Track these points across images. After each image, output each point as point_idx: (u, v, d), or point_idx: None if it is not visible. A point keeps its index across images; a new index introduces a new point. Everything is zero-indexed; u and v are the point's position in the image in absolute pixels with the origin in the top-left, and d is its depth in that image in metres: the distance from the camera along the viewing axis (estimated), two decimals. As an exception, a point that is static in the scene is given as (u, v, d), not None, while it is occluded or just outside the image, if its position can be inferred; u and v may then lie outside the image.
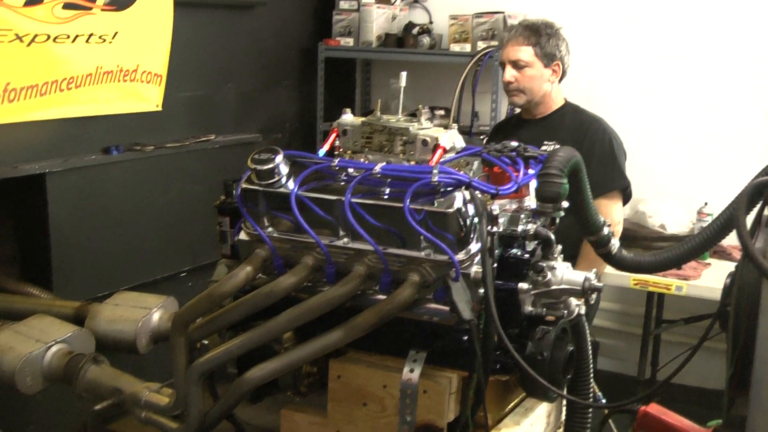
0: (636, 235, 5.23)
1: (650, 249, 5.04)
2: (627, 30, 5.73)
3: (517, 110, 4.44)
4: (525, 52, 4.10)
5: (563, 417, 2.69)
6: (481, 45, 5.65)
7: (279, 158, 2.36)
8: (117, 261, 4.56)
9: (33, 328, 3.00)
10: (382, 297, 2.31)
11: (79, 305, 3.36)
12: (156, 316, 3.17)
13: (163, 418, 2.57)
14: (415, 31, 5.90)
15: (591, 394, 2.57)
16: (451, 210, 2.17)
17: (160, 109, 4.68)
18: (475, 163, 2.50)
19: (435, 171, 2.20)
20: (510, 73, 4.13)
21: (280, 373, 2.36)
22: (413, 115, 2.58)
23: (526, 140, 2.55)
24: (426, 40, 5.84)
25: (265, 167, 2.35)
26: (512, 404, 2.53)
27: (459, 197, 2.19)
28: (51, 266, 4.23)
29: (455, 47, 5.75)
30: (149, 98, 4.65)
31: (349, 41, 6.07)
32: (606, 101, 5.39)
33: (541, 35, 4.09)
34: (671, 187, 5.58)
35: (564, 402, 2.66)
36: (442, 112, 5.73)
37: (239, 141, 5.27)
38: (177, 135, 4.87)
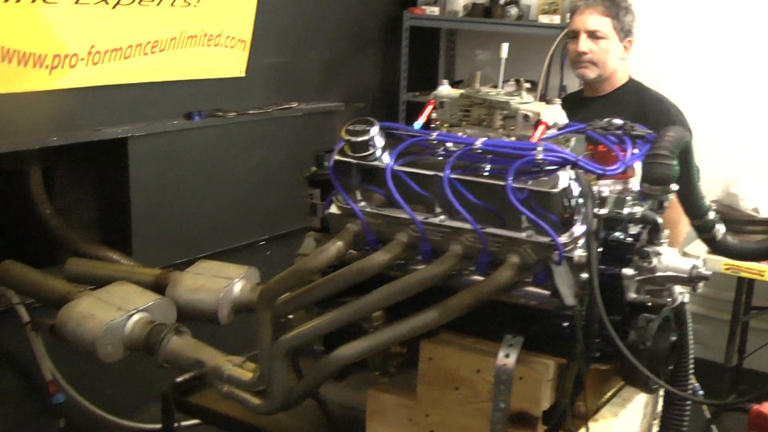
0: (727, 217, 5.04)
1: (741, 233, 4.86)
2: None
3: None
4: (604, 23, 3.91)
5: (659, 408, 2.57)
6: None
7: (374, 130, 2.26)
8: (196, 228, 4.52)
9: (114, 296, 2.95)
10: (477, 278, 2.20)
11: (159, 273, 3.31)
12: (238, 287, 3.11)
13: (246, 393, 2.51)
14: (502, 1, 5.76)
15: (690, 386, 2.45)
16: (556, 190, 2.05)
17: (243, 75, 4.62)
18: (573, 140, 2.39)
19: (539, 148, 2.08)
20: (586, 44, 3.92)
21: (371, 353, 2.27)
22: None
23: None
24: (514, 10, 5.69)
25: (360, 139, 2.25)
26: (609, 394, 2.42)
27: (564, 176, 2.08)
28: (131, 231, 4.21)
29: (544, 18, 5.59)
30: (233, 64, 4.59)
31: (435, 10, 5.95)
32: (694, 80, 5.20)
33: (620, 8, 3.92)
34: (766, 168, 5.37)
35: (661, 393, 2.54)
36: (528, 86, 5.56)
37: (321, 109, 5.19)
38: (259, 102, 4.80)
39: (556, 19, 5.52)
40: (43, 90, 3.72)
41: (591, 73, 3.97)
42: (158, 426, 4.08)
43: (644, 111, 3.84)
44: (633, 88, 4.05)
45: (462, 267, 2.22)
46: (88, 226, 4.35)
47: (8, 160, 3.77)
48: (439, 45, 6.38)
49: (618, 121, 2.34)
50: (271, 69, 4.93)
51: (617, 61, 3.97)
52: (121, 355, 2.84)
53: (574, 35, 3.99)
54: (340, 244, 2.30)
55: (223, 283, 3.12)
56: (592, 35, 3.92)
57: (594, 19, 3.92)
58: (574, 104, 4.10)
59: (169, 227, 4.39)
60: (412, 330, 2.20)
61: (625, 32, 3.94)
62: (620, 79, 4.03)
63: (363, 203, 2.31)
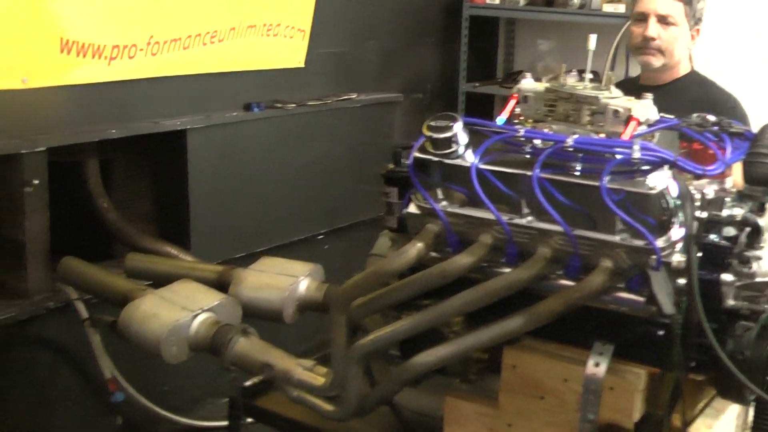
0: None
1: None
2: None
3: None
4: (677, 8, 3.59)
5: (749, 419, 2.45)
6: (636, 6, 5.33)
7: (458, 126, 2.15)
8: (254, 222, 4.44)
9: (178, 295, 2.87)
10: (566, 283, 2.09)
11: (222, 270, 3.23)
12: (303, 285, 3.03)
13: (317, 399, 2.42)
14: (565, -11, 5.62)
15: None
16: (654, 191, 1.94)
17: (302, 65, 4.53)
18: (656, 136, 2.26)
19: (636, 147, 1.97)
20: (655, 29, 3.59)
21: (452, 360, 2.17)
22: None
23: None
24: (576, -1, 5.55)
25: (443, 135, 2.14)
26: (701, 405, 2.29)
27: (661, 177, 1.96)
28: (189, 225, 4.13)
29: (608, 8, 5.43)
30: (292, 54, 4.50)
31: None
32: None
33: None
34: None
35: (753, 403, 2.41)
36: (590, 76, 5.42)
37: (380, 100, 5.09)
38: (318, 92, 4.71)
39: (620, 8, 5.35)
40: (102, 81, 3.64)
41: (656, 61, 3.66)
42: (216, 423, 4.08)
43: (708, 107, 3.60)
44: (696, 80, 3.77)
45: (550, 271, 2.10)
46: (146, 219, 4.28)
47: (66, 152, 3.70)
48: (497, 35, 6.26)
49: (712, 118, 2.22)
50: (330, 59, 4.83)
51: (683, 50, 3.69)
52: (185, 357, 2.76)
53: (641, 18, 3.66)
54: (420, 245, 2.20)
55: (288, 281, 3.04)
56: (663, 20, 3.60)
57: (666, 4, 3.60)
58: (627, 92, 3.92)
59: (228, 221, 4.31)
60: (497, 336, 2.10)
61: (695, 19, 3.65)
62: (683, 70, 3.74)
63: (444, 203, 2.20)
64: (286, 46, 4.45)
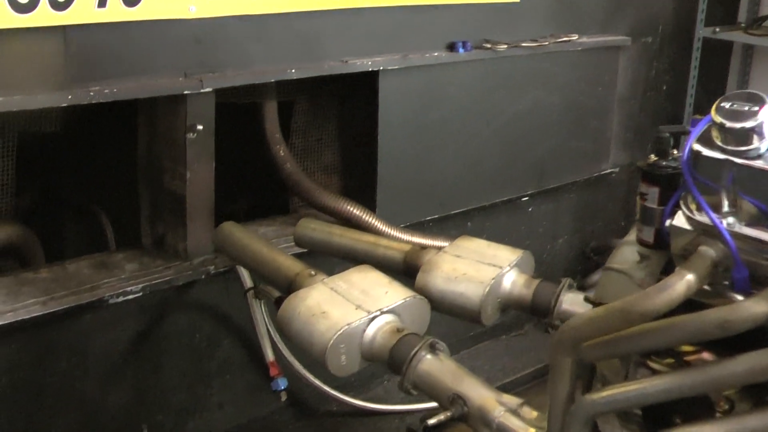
0: None
1: None
2: None
3: None
4: None
5: None
6: None
7: (766, 112, 1.46)
8: (451, 179, 3.83)
9: (354, 287, 2.32)
10: None
11: (410, 250, 2.68)
12: (509, 279, 2.50)
13: (522, 456, 1.83)
14: None
15: None
16: None
17: (517, 0, 3.85)
18: None
19: None
20: None
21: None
22: None
23: None
24: None
25: (741, 124, 1.46)
26: None
27: None
28: (376, 180, 3.55)
29: None
30: (506, -14, 3.83)
31: (743, -71, 4.97)
32: None
33: None
34: None
35: None
36: None
37: (604, 44, 4.35)
38: (534, 33, 4.01)
39: None
40: (282, 12, 3.08)
41: None
42: (389, 407, 3.53)
43: None
44: None
45: None
46: (327, 171, 3.75)
47: (241, 92, 3.17)
48: (741, -30, 5.39)
49: None
50: (549, -6, 4.13)
51: None
52: (356, 368, 2.24)
53: None
54: (691, 278, 1.54)
55: (490, 272, 2.48)
56: None
57: None
58: None
59: (420, 177, 3.72)
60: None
61: None
62: None
63: (731, 219, 1.53)
64: (499, -23, 3.80)
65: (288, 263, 2.52)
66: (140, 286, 2.92)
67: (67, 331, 2.85)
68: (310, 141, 3.66)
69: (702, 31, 4.87)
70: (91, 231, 3.68)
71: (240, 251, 2.74)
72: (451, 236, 3.00)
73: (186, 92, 2.88)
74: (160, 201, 3.13)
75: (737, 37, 4.92)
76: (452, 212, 3.85)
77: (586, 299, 2.00)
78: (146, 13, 2.71)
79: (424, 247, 2.69)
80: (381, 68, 3.41)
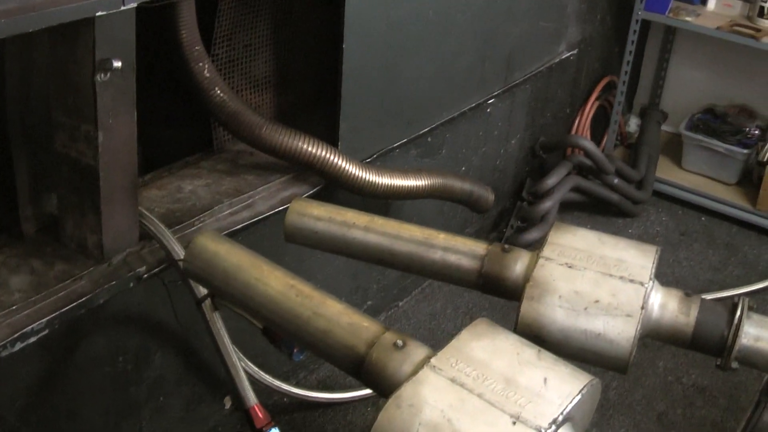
0: None
1: None
2: None
3: None
4: None
5: None
6: None
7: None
8: (421, 90, 2.91)
9: (488, 372, 1.36)
10: None
11: (488, 254, 1.70)
12: (655, 300, 1.59)
13: None
14: None
15: None
16: None
17: None
18: None
19: None
20: None
21: None
22: None
23: None
24: None
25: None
26: None
27: None
28: (339, 102, 2.56)
29: None
30: None
31: None
32: None
33: None
34: None
35: None
36: None
37: None
38: None
39: None
40: None
41: None
42: (330, 396, 2.91)
43: None
44: None
45: None
46: (258, 86, 2.67)
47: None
48: None
49: None
50: None
51: None
52: None
53: None
54: None
55: (631, 294, 1.56)
56: None
57: None
58: None
59: (388, 91, 2.72)
60: None
61: None
62: None
63: None
64: None
65: (351, 319, 1.46)
66: (44, 321, 1.84)
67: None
68: (236, 49, 2.56)
69: None
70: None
71: (241, 290, 1.63)
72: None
73: (98, 13, 1.76)
74: (48, 171, 2.03)
75: None
76: (420, 132, 2.88)
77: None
78: None
79: (515, 249, 1.72)
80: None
